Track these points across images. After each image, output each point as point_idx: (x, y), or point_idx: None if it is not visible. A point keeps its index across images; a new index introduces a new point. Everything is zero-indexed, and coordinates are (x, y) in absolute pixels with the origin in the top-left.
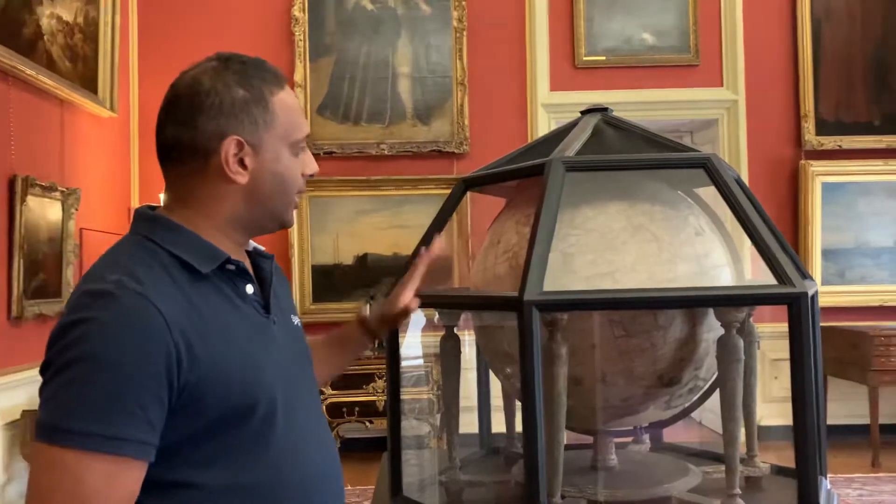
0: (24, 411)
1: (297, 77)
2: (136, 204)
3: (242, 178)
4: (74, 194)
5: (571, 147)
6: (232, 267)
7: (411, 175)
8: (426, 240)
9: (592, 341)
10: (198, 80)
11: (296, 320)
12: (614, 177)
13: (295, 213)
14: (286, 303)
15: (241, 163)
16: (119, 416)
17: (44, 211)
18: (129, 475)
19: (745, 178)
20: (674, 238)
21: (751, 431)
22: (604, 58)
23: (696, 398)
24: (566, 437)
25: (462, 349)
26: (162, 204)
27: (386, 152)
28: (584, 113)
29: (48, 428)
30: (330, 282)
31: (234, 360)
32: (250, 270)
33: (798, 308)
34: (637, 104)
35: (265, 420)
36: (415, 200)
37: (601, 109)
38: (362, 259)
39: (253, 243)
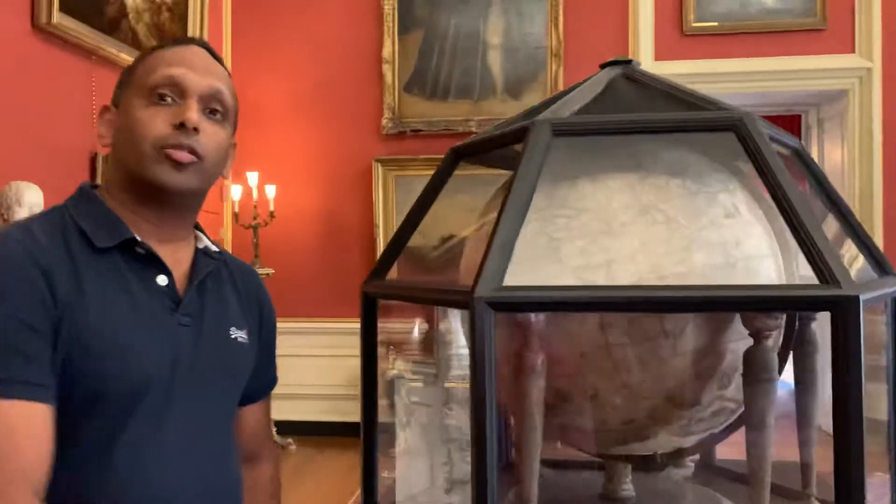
0: None
1: (385, 53)
2: (233, 182)
3: (104, 140)
4: None
5: (569, 106)
6: (141, 251)
7: None
8: (413, 220)
9: (581, 349)
10: None
11: (237, 334)
12: (628, 144)
13: (171, 172)
14: (235, 313)
15: (110, 126)
16: None
17: None
18: (24, 420)
19: (877, 156)
20: (692, 220)
21: (807, 462)
22: (715, 24)
23: (726, 423)
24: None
25: None
26: None
27: (474, 129)
28: (603, 66)
29: None
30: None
31: (101, 340)
32: (185, 263)
33: (843, 316)
34: (752, 75)
35: (116, 418)
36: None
37: (624, 62)
38: (448, 241)
39: (206, 241)
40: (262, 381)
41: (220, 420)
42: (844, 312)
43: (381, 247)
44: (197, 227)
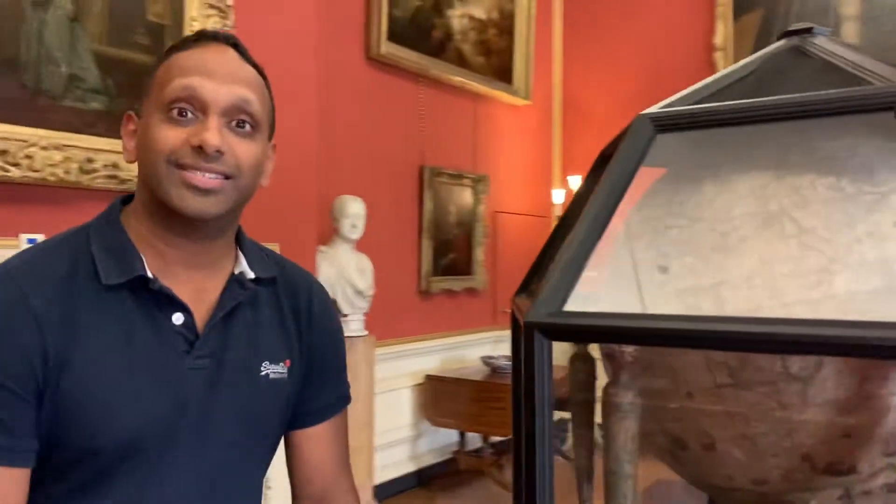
0: (427, 376)
1: (718, 39)
2: (556, 187)
3: (128, 154)
4: (484, 181)
5: (709, 89)
6: (154, 287)
7: None
8: (605, 209)
9: (687, 388)
10: None
11: (270, 370)
12: (779, 133)
13: (192, 198)
14: (272, 344)
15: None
16: None
17: (453, 196)
18: None
19: None
20: (837, 232)
21: None
22: None
23: None
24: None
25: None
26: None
27: None
28: (781, 37)
29: None
30: None
31: (87, 396)
32: (214, 292)
33: None
34: None
35: (102, 474)
36: None
37: (803, 30)
38: None
39: (244, 265)
40: (320, 402)
41: (236, 469)
42: None
43: None
44: (244, 242)
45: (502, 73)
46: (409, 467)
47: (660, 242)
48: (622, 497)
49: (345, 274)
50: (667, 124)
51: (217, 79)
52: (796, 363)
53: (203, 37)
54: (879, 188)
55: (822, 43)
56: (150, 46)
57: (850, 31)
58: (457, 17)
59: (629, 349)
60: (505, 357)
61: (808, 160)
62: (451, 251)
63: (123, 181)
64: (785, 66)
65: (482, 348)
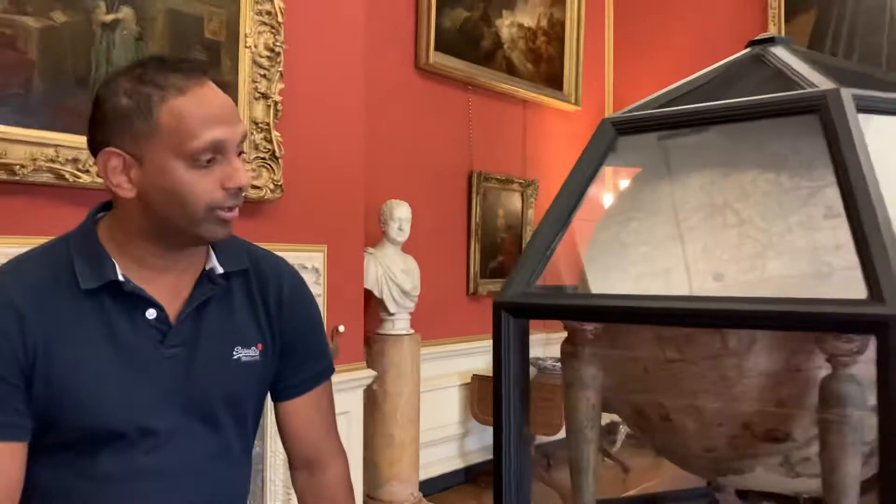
0: (474, 375)
1: None
2: (607, 192)
3: (125, 191)
4: (532, 185)
5: (664, 96)
6: (127, 289)
7: None
8: (567, 203)
9: (644, 364)
10: (100, 87)
11: (242, 353)
12: (736, 135)
13: (222, 229)
14: (245, 329)
15: (129, 175)
16: None
17: (502, 200)
18: None
19: None
20: (772, 222)
21: None
22: None
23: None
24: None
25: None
26: None
27: None
28: (747, 45)
29: None
30: None
31: (70, 385)
32: (186, 289)
33: (884, 339)
34: None
35: (87, 454)
36: None
37: (767, 40)
38: None
39: (214, 262)
40: (301, 377)
41: (214, 443)
42: (886, 335)
43: None
44: (232, 239)
45: (552, 80)
46: (458, 464)
47: (622, 233)
48: (585, 460)
49: (391, 274)
50: (626, 128)
51: (229, 122)
52: (733, 338)
53: (181, 68)
54: (815, 182)
55: (778, 52)
56: (207, 62)
57: None
58: (506, 27)
59: (589, 326)
60: (553, 358)
61: (754, 158)
62: (500, 254)
63: None
64: (742, 73)
65: (532, 350)
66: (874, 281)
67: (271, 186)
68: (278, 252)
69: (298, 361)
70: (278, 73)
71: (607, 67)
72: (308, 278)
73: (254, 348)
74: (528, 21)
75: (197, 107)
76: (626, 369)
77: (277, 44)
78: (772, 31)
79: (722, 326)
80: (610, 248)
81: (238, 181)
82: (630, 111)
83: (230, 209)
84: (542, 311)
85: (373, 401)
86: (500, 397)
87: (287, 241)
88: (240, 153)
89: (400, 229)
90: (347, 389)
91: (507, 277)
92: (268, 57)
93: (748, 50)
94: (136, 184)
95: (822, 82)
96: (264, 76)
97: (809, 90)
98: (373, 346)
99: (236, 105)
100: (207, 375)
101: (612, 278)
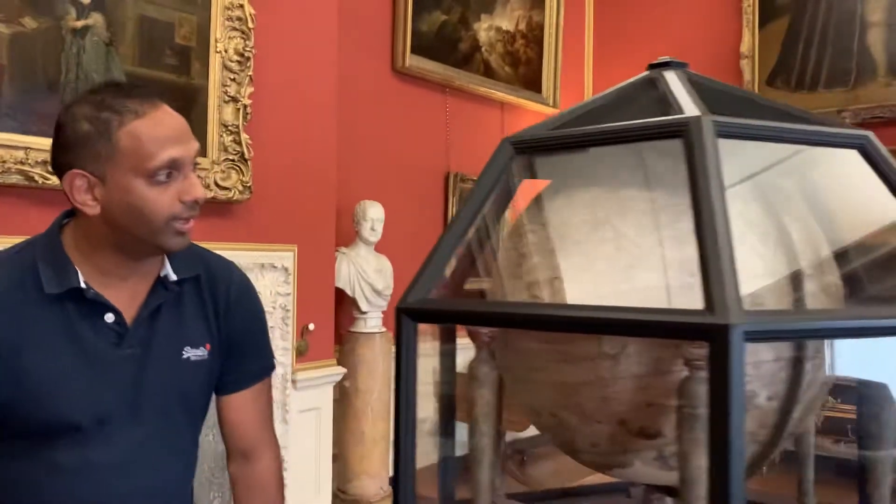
0: None
1: (744, 48)
2: None
3: (90, 209)
4: None
5: (564, 116)
6: (88, 296)
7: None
8: (466, 217)
9: (533, 364)
10: (61, 113)
11: (191, 353)
12: (631, 153)
13: (181, 239)
14: (194, 331)
15: (93, 194)
16: None
17: None
18: None
19: None
20: (646, 236)
21: None
22: None
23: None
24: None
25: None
26: None
27: (848, 121)
28: (648, 68)
29: None
30: None
31: (33, 380)
32: (142, 296)
33: (721, 348)
34: None
35: (45, 444)
36: None
37: (664, 64)
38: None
39: (168, 269)
40: (241, 374)
41: (164, 434)
42: (717, 343)
43: None
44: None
45: (531, 82)
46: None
47: (519, 244)
48: (480, 451)
49: (363, 274)
50: (523, 147)
51: (184, 141)
52: (607, 343)
53: (137, 94)
54: (689, 200)
55: (669, 77)
56: (177, 66)
57: (876, 36)
58: (483, 30)
59: (485, 330)
60: None
61: (635, 176)
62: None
63: None
64: (635, 95)
65: None
66: (708, 294)
67: (240, 188)
68: (247, 252)
69: (241, 359)
70: (248, 78)
71: (587, 70)
72: (277, 277)
73: (202, 348)
74: (507, 25)
75: (153, 128)
76: (517, 370)
77: (248, 49)
78: (746, 37)
79: (586, 332)
80: (510, 258)
81: (194, 194)
82: (531, 129)
83: (186, 220)
84: (438, 316)
85: (345, 397)
86: (399, 396)
87: (256, 241)
88: (194, 168)
89: (372, 229)
90: (318, 386)
91: (409, 285)
92: (238, 62)
93: (646, 73)
94: (100, 201)
95: (690, 109)
96: (234, 80)
97: (674, 117)
98: (345, 344)
99: (206, 108)
100: (160, 374)
101: (508, 286)
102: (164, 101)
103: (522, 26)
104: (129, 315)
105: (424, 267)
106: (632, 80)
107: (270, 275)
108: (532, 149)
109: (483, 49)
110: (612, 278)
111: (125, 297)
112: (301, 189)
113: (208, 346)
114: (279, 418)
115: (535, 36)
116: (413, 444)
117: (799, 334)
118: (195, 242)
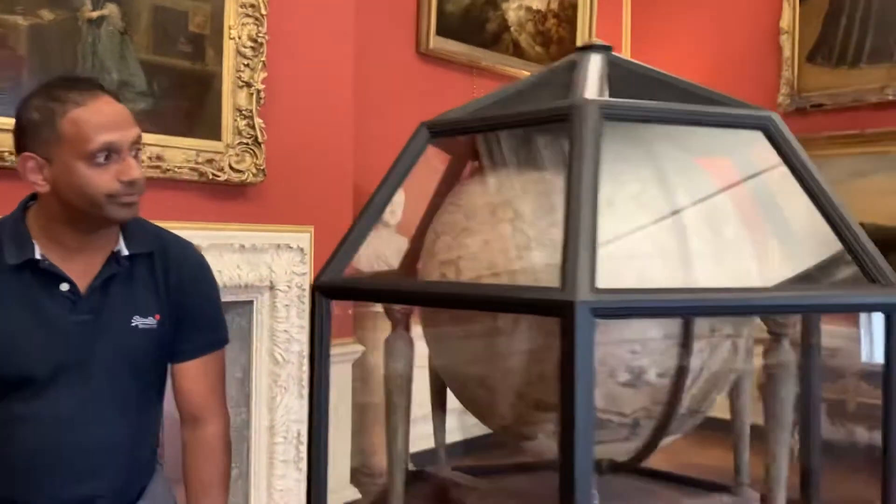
0: None
1: (784, 23)
2: None
3: (41, 187)
4: None
5: (486, 98)
6: (44, 266)
7: None
8: (381, 200)
9: (442, 340)
10: (19, 103)
11: (140, 321)
12: (523, 139)
13: (123, 211)
14: (144, 302)
15: (43, 174)
16: None
17: None
18: None
19: None
20: (540, 218)
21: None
22: None
23: (629, 436)
24: None
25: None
26: None
27: (890, 97)
28: (576, 50)
29: None
30: None
31: (1, 337)
32: (96, 267)
33: (569, 323)
34: None
35: (9, 392)
36: None
37: (588, 47)
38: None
39: (122, 245)
40: (192, 344)
41: (114, 394)
42: (566, 319)
43: None
44: (128, 226)
45: None
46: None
47: (437, 224)
48: (395, 423)
49: (382, 256)
50: (437, 131)
51: (122, 128)
52: (501, 319)
53: (84, 87)
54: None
55: (589, 60)
56: (191, 53)
57: None
58: (513, 10)
59: (398, 307)
60: None
61: (538, 159)
62: None
63: (166, 170)
64: (554, 79)
65: None
66: (563, 272)
67: (254, 170)
68: (262, 232)
69: (192, 331)
70: (261, 63)
71: (624, 48)
72: (293, 258)
73: (151, 318)
74: (538, 4)
75: (91, 116)
76: (430, 345)
77: (261, 35)
78: (786, 13)
79: (453, 307)
80: (429, 237)
81: (129, 175)
82: (450, 112)
83: (126, 195)
84: (351, 294)
85: (365, 375)
86: (313, 373)
87: (270, 222)
88: (136, 153)
89: (392, 212)
90: (336, 364)
91: (324, 264)
92: (251, 48)
93: (572, 55)
94: (48, 181)
95: (591, 93)
96: (247, 66)
97: (562, 102)
98: (366, 322)
99: (220, 94)
100: (110, 338)
101: (426, 262)
102: (106, 93)
103: (554, 6)
104: (82, 285)
105: (339, 247)
106: (555, 63)
107: (286, 255)
108: (443, 132)
109: (512, 29)
110: (507, 256)
111: (80, 268)
112: (317, 172)
113: (158, 316)
114: (296, 394)
115: (567, 16)
116: (326, 419)
117: (649, 312)
118: (199, 222)
